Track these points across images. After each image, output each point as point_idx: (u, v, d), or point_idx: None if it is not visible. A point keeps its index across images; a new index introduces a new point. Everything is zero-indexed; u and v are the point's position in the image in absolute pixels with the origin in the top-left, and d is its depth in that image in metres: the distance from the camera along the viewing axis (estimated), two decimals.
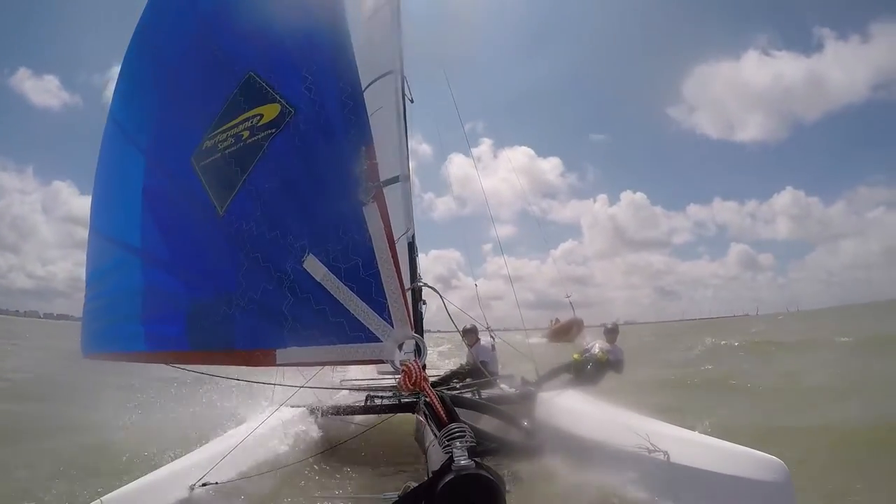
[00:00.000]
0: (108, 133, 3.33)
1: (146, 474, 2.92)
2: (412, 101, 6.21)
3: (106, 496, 2.60)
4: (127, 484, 2.77)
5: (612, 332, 6.84)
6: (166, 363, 2.87)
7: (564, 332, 6.70)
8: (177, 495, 2.71)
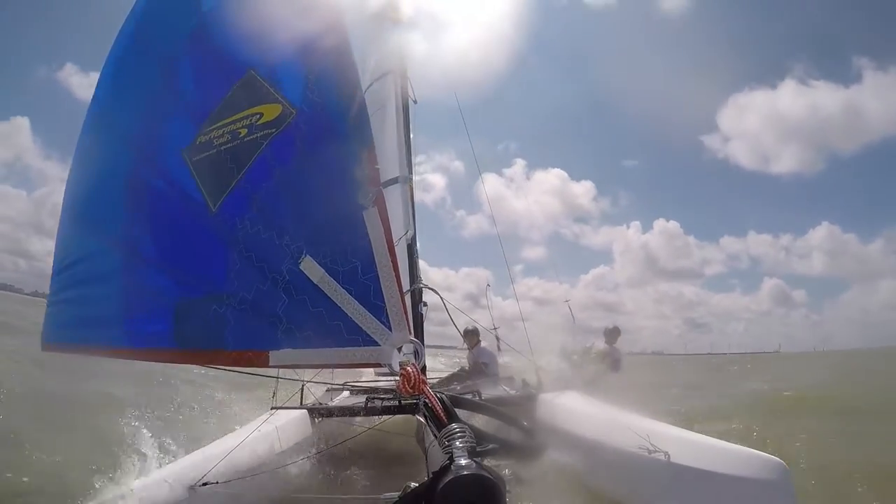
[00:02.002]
0: (91, 116, 3.23)
1: (146, 474, 2.94)
2: (415, 101, 6.21)
3: (106, 496, 2.62)
4: (127, 484, 2.79)
5: (612, 334, 6.96)
6: (148, 360, 2.82)
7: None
8: (177, 495, 2.72)
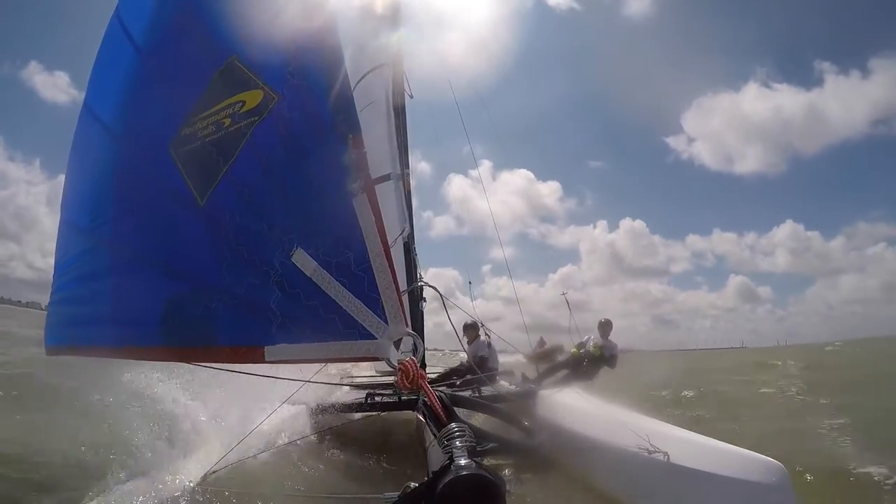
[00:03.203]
0: (81, 120, 3.22)
1: (149, 471, 2.94)
2: (411, 96, 6.13)
3: (109, 492, 2.61)
4: (129, 480, 2.79)
5: (605, 327, 6.79)
6: (138, 359, 2.79)
7: (546, 355, 6.84)
8: (179, 491, 2.73)
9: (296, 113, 2.37)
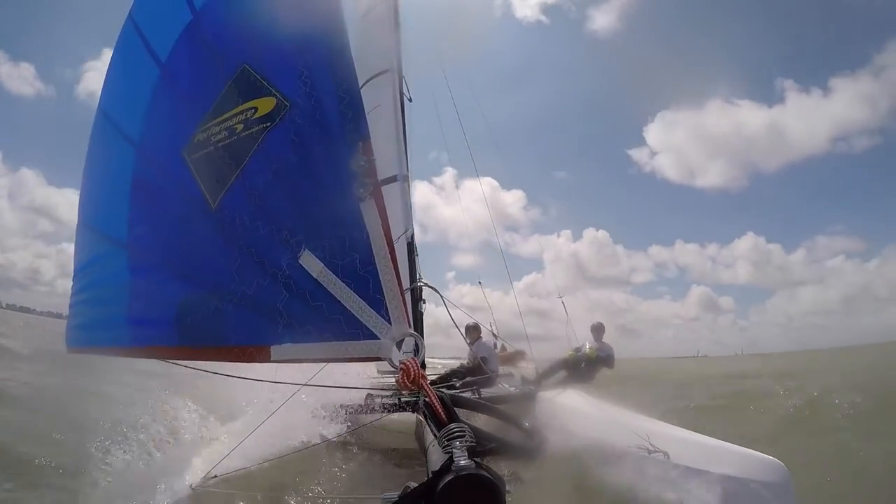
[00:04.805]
0: (97, 126, 3.31)
1: (148, 472, 2.95)
2: (410, 99, 6.21)
3: (111, 491, 2.63)
4: (129, 480, 2.81)
5: (597, 330, 6.99)
6: (155, 358, 2.84)
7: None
8: (179, 491, 2.74)
9: (307, 120, 2.43)
